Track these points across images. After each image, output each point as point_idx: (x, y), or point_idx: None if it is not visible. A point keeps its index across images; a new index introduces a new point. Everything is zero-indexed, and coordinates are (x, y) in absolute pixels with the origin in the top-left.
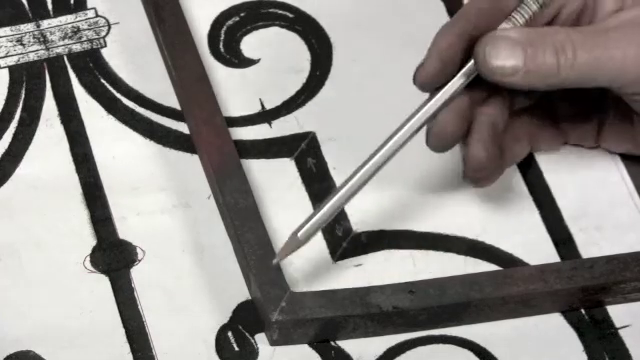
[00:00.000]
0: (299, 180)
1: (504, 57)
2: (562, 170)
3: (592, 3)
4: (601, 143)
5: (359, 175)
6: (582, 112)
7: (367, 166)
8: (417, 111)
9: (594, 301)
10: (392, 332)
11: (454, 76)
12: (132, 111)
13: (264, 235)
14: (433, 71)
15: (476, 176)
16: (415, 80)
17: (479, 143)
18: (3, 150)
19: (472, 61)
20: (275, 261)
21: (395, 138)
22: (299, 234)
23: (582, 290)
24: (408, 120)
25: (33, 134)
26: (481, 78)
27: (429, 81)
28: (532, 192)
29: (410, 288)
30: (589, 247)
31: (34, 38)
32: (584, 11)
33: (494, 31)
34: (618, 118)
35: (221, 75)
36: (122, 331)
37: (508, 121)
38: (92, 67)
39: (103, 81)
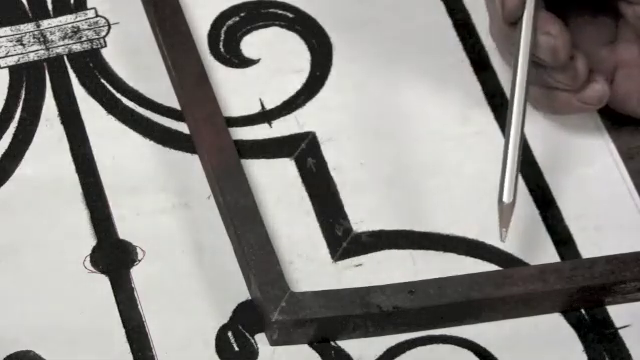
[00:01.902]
0: (299, 180)
1: None
2: (562, 170)
3: None
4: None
5: (515, 112)
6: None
7: (516, 101)
8: (518, 41)
9: (594, 301)
10: (392, 332)
11: None
12: (132, 111)
13: (264, 235)
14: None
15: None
16: (506, 12)
17: None
18: (3, 150)
19: None
20: (503, 238)
21: (520, 63)
22: (504, 199)
23: (582, 290)
24: (519, 42)
25: (33, 134)
26: None
27: (519, 9)
28: (532, 192)
29: (410, 288)
30: (589, 247)
31: (34, 38)
32: None
33: None
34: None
35: (221, 75)
36: (122, 331)
37: None
38: (92, 67)
39: (103, 81)
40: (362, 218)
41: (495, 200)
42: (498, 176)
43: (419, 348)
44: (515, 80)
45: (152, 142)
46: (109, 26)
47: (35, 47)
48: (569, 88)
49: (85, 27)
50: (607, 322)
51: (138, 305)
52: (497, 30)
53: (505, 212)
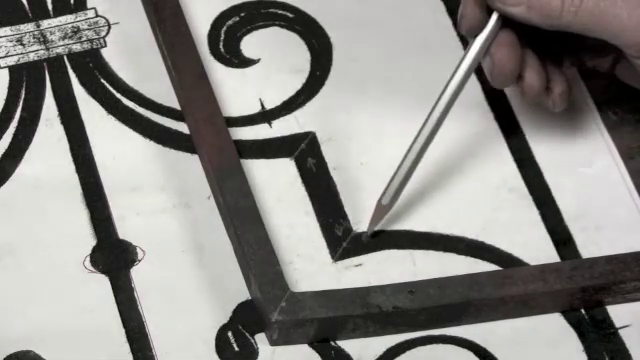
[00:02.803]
0: (299, 180)
1: None
2: (562, 170)
3: None
4: (617, 73)
5: (427, 127)
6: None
7: (432, 117)
8: (466, 55)
9: (594, 301)
10: (392, 332)
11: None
12: (132, 111)
13: (264, 235)
14: (474, 16)
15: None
16: (461, 29)
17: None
18: (3, 150)
19: None
20: (367, 233)
21: (453, 84)
22: (382, 200)
23: (582, 290)
24: (460, 65)
25: (33, 134)
26: None
27: (474, 26)
28: (532, 192)
29: (410, 288)
30: (589, 247)
31: (34, 38)
32: None
33: None
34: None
35: (221, 75)
36: (122, 331)
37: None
38: (92, 67)
39: (103, 81)
40: (362, 218)
41: (496, 200)
42: (498, 176)
43: (419, 348)
44: (443, 94)
45: (152, 142)
46: (109, 26)
47: (35, 47)
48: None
49: (85, 27)
50: (607, 322)
51: (138, 305)
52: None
53: (379, 213)
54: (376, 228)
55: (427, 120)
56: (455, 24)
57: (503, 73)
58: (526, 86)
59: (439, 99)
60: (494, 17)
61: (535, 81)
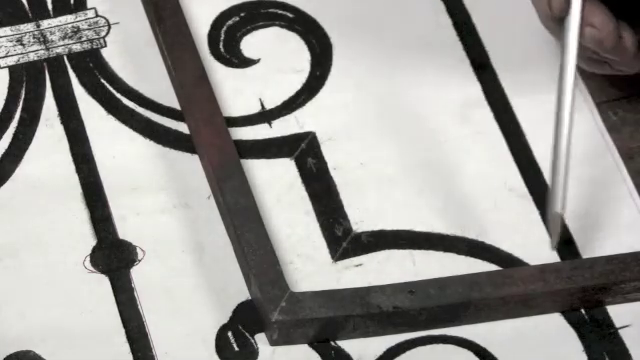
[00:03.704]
0: (299, 180)
1: None
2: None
3: None
4: None
5: (564, 125)
6: None
7: (564, 114)
8: (568, 38)
9: (594, 301)
10: (392, 332)
11: None
12: (132, 111)
13: (264, 235)
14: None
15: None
16: (555, 12)
17: None
18: (3, 150)
19: None
20: (553, 247)
21: (569, 74)
22: (555, 209)
23: (582, 290)
24: (567, 51)
25: (33, 134)
26: None
27: (565, 7)
28: (532, 192)
29: (410, 288)
30: (589, 247)
31: (34, 38)
32: None
33: None
34: None
35: (221, 75)
36: (122, 331)
37: None
38: (92, 67)
39: (103, 81)
40: (362, 218)
41: (496, 200)
42: (498, 176)
43: (419, 348)
44: (563, 84)
45: (152, 142)
46: (109, 26)
47: (35, 47)
48: (620, 64)
49: (85, 27)
50: (607, 322)
51: (138, 305)
52: (545, 24)
53: (556, 221)
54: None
55: (559, 119)
56: (455, 24)
57: (611, 34)
58: (625, 43)
59: (561, 93)
60: None
61: (631, 38)
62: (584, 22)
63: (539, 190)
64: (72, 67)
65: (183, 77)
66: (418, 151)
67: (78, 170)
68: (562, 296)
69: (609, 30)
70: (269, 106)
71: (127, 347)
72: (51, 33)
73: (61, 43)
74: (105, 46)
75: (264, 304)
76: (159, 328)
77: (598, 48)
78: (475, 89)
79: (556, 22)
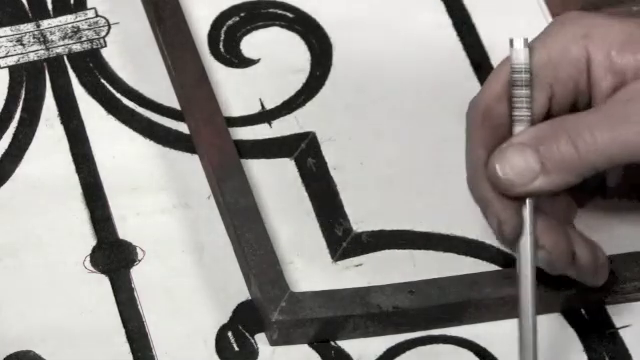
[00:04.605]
0: (299, 180)
1: (516, 164)
2: None
3: (585, 87)
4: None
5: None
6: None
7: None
8: (520, 262)
9: (594, 301)
10: (392, 332)
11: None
12: (132, 111)
13: (264, 235)
14: (513, 216)
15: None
16: (506, 237)
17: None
18: (3, 150)
19: None
20: None
21: (526, 309)
22: None
23: (582, 290)
24: (521, 276)
25: (33, 134)
26: None
27: (518, 227)
28: None
29: (410, 288)
30: None
31: (34, 38)
32: (578, 98)
33: (500, 146)
34: None
35: (221, 75)
36: (122, 331)
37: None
38: (92, 67)
39: (103, 81)
40: (362, 218)
41: None
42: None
43: (419, 348)
44: (521, 296)
45: (152, 142)
46: (109, 26)
47: (35, 47)
48: (580, 278)
49: (85, 27)
50: (607, 322)
51: (138, 305)
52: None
53: None
54: None
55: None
56: (455, 24)
57: (560, 259)
58: (581, 263)
59: (521, 324)
60: (528, 207)
61: (588, 257)
62: (538, 242)
63: None
64: (72, 67)
65: (183, 77)
66: (418, 151)
67: (78, 170)
68: (562, 296)
69: (560, 251)
70: (269, 106)
71: (127, 347)
72: (51, 33)
73: (61, 43)
74: (105, 46)
75: (264, 304)
76: (159, 328)
77: (549, 269)
78: (475, 89)
79: (508, 243)
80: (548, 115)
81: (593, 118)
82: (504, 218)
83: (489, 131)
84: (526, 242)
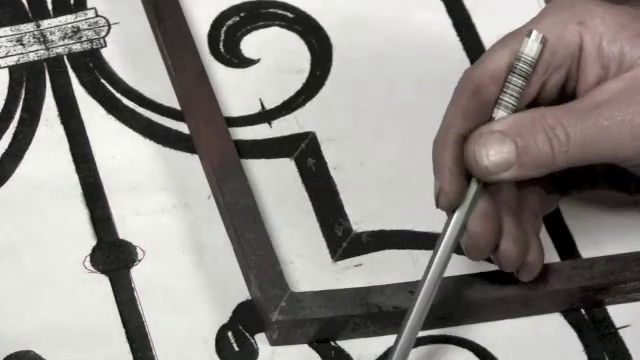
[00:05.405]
0: (299, 180)
1: (494, 154)
2: None
3: (574, 72)
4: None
5: (415, 310)
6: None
7: (418, 301)
8: (444, 233)
9: (594, 301)
10: (392, 332)
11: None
12: (132, 111)
13: (264, 235)
14: (454, 191)
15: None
16: (440, 206)
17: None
18: (3, 150)
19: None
20: None
21: (434, 267)
22: None
23: (582, 290)
24: (439, 245)
25: (33, 134)
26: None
27: (454, 202)
28: None
29: (410, 288)
30: (589, 247)
31: (34, 38)
32: (568, 80)
33: (480, 127)
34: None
35: (221, 75)
36: (122, 331)
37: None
38: (92, 67)
39: (103, 81)
40: (362, 218)
41: None
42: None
43: (419, 348)
44: (430, 266)
45: (152, 142)
46: (109, 26)
47: (35, 47)
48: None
49: (85, 27)
50: (607, 322)
51: (138, 305)
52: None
53: None
54: None
55: (412, 310)
56: (455, 24)
57: (478, 247)
58: (501, 257)
59: (421, 286)
60: (474, 188)
61: (512, 253)
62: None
63: None
64: (72, 67)
65: (183, 77)
66: (418, 151)
67: (78, 170)
68: (562, 296)
69: (479, 241)
70: (269, 106)
71: (127, 347)
72: (51, 33)
73: (61, 43)
74: (105, 46)
75: (264, 304)
76: (159, 328)
77: (465, 251)
78: None
79: (440, 209)
80: (537, 97)
81: (569, 119)
82: (446, 190)
83: (474, 104)
84: (455, 219)
